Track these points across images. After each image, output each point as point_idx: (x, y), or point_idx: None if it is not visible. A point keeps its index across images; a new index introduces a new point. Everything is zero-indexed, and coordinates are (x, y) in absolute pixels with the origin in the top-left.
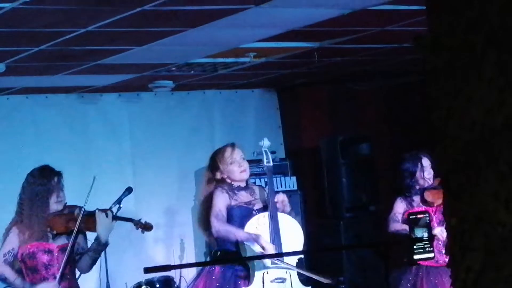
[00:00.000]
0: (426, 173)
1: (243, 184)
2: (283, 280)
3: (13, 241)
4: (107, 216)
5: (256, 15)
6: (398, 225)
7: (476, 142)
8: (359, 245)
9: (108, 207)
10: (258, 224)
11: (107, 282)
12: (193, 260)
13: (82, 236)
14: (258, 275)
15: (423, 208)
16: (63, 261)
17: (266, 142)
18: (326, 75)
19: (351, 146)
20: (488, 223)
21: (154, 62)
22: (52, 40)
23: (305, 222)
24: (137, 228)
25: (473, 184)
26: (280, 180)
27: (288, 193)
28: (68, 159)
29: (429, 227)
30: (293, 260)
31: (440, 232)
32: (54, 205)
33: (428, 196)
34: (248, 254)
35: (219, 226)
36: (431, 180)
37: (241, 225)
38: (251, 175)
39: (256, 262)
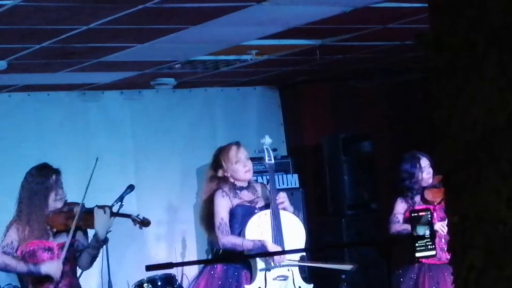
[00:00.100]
0: (424, 173)
1: (245, 183)
2: (285, 278)
3: (12, 236)
4: (105, 212)
5: (258, 13)
6: (398, 226)
7: (477, 141)
8: (361, 243)
9: (110, 204)
10: (260, 222)
11: (109, 279)
12: (195, 258)
13: (82, 233)
14: (260, 273)
15: (425, 206)
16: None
17: (267, 140)
18: (328, 72)
19: (353, 144)
20: (489, 222)
21: (156, 59)
22: (53, 38)
23: (307, 219)
24: (135, 224)
25: (474, 183)
26: (282, 178)
27: (290, 190)
28: (70, 156)
29: (431, 225)
30: (295, 257)
31: (441, 226)
32: (54, 203)
33: (428, 195)
34: (253, 264)
35: (224, 240)
36: (431, 180)
37: (243, 224)
38: (253, 172)
39: (258, 263)
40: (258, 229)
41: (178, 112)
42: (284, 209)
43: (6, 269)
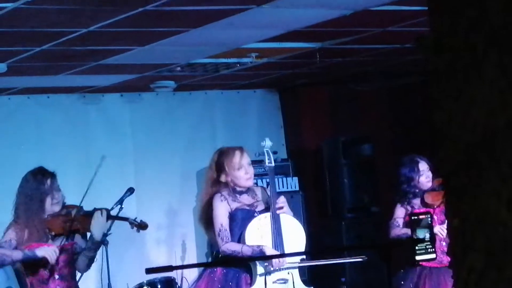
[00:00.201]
0: (423, 177)
1: (245, 188)
2: (285, 281)
3: (11, 236)
4: (101, 214)
5: (258, 16)
6: (398, 230)
7: (478, 143)
8: (361, 246)
9: (109, 207)
10: (260, 225)
11: (109, 283)
12: (194, 261)
13: (80, 237)
14: (260, 276)
15: (425, 209)
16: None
17: (268, 143)
18: (327, 75)
19: (352, 147)
20: (490, 224)
21: (156, 62)
22: (54, 40)
23: (307, 222)
24: (132, 227)
25: (475, 185)
26: (282, 181)
27: (290, 193)
28: (70, 159)
29: (431, 228)
30: (295, 260)
31: (439, 230)
32: (51, 207)
33: (428, 198)
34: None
35: (224, 247)
36: (430, 183)
37: (243, 227)
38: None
39: (258, 266)
40: (258, 232)
41: (178, 115)
42: (286, 212)
43: (2, 261)
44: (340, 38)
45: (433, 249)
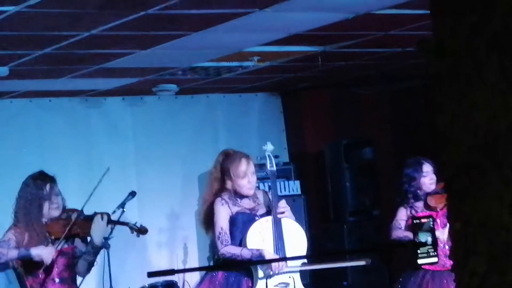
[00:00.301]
0: (427, 178)
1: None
2: (286, 285)
3: (10, 237)
4: (102, 219)
5: (260, 19)
6: (400, 232)
7: (480, 147)
8: (363, 249)
9: (111, 211)
10: (261, 229)
11: (110, 286)
12: (196, 265)
13: (80, 241)
14: (261, 280)
15: (426, 213)
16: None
17: (269, 147)
18: (330, 79)
19: (354, 150)
20: (492, 228)
21: (158, 65)
22: (56, 44)
23: (309, 226)
24: (132, 232)
25: (477, 188)
26: (284, 184)
27: (292, 197)
28: (72, 162)
29: (433, 232)
30: (297, 264)
31: (441, 234)
32: (50, 211)
33: (431, 200)
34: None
35: (223, 250)
36: (433, 186)
37: (244, 231)
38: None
39: (259, 270)
40: (259, 235)
41: (180, 118)
42: (288, 216)
43: None
44: (342, 42)
45: (435, 253)
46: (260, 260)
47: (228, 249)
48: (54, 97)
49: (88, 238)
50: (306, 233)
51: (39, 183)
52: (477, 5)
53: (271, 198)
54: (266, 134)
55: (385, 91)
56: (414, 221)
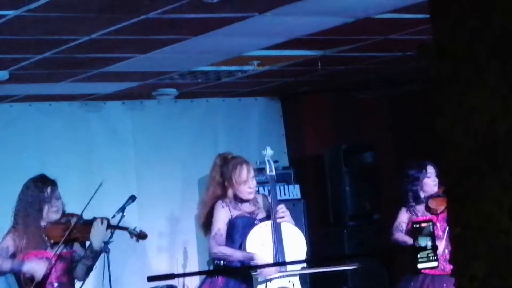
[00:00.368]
0: (430, 179)
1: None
2: None
3: (8, 243)
4: (102, 223)
5: (259, 23)
6: (401, 236)
7: (480, 150)
8: (363, 254)
9: (111, 215)
10: (261, 233)
11: None
12: (196, 269)
13: (79, 245)
14: (261, 284)
15: (427, 217)
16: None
17: (269, 151)
18: (329, 83)
19: (354, 155)
20: (492, 232)
21: (158, 70)
22: (55, 48)
23: (308, 230)
24: (132, 237)
25: (477, 192)
26: (284, 189)
27: (291, 201)
28: (71, 167)
29: (432, 236)
30: (296, 268)
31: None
32: (49, 215)
33: (432, 203)
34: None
35: (216, 249)
36: (436, 188)
37: (244, 235)
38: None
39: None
40: (259, 240)
41: (180, 122)
42: (287, 220)
43: None
44: (342, 46)
45: (435, 257)
46: (261, 265)
47: (221, 249)
48: (54, 101)
49: (87, 243)
50: (306, 237)
51: (40, 186)
52: (477, 9)
53: (270, 202)
54: (266, 138)
55: (385, 96)
56: (414, 226)
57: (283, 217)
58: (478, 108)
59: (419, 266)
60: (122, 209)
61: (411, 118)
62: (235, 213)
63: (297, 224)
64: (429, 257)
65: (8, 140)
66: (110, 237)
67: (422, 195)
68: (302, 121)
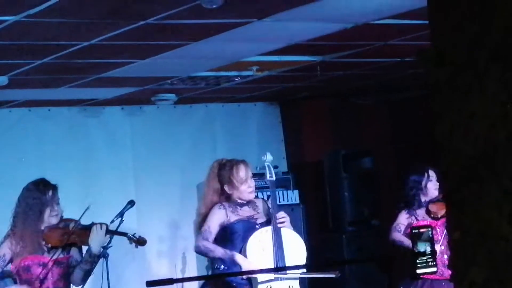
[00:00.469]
0: (432, 183)
1: (246, 200)
2: None
3: (5, 250)
4: (101, 229)
5: (258, 29)
6: (398, 235)
7: (479, 157)
8: (362, 259)
9: (110, 220)
10: (261, 239)
11: None
12: (195, 274)
13: (77, 250)
14: (261, 285)
15: (426, 222)
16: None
17: (269, 157)
18: (328, 89)
19: (353, 160)
20: (491, 238)
21: (157, 75)
22: (55, 53)
23: (307, 235)
24: (131, 243)
25: (476, 198)
26: (283, 194)
27: (290, 206)
28: (71, 172)
29: (431, 241)
30: (296, 273)
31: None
32: (49, 219)
33: (432, 207)
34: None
35: (200, 243)
36: (437, 192)
37: (245, 239)
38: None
39: (258, 279)
40: (259, 244)
41: (179, 128)
42: (287, 226)
43: None
44: (341, 52)
45: (434, 263)
46: (259, 270)
47: (205, 243)
48: (53, 106)
49: (83, 248)
50: (305, 242)
51: (42, 189)
52: (476, 15)
53: (270, 207)
54: (265, 143)
55: (384, 101)
56: (413, 231)
57: (283, 222)
58: (478, 115)
59: (418, 271)
60: (121, 214)
61: (410, 123)
62: (234, 217)
63: (296, 229)
64: (428, 262)
65: (7, 145)
66: (109, 242)
67: (423, 199)
68: (301, 127)
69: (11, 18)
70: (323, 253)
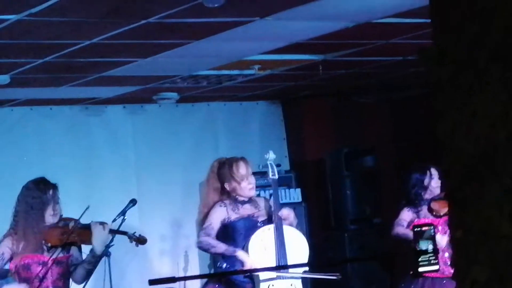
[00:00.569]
0: (434, 181)
1: (247, 198)
2: None
3: (4, 248)
4: (104, 228)
5: (260, 28)
6: (402, 229)
7: (480, 156)
8: (364, 257)
9: (111, 219)
10: (264, 237)
11: None
12: (197, 272)
13: (77, 249)
14: (263, 286)
15: (428, 219)
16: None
17: (271, 155)
18: (330, 87)
19: (355, 159)
20: (492, 237)
21: (159, 74)
22: (57, 52)
23: (309, 234)
24: (131, 241)
25: (477, 197)
26: (285, 192)
27: (293, 205)
28: (72, 170)
29: (434, 240)
30: (298, 272)
31: (440, 240)
32: (49, 218)
33: (434, 205)
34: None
35: (202, 238)
36: (439, 190)
37: (247, 237)
38: (256, 187)
39: (260, 277)
40: (261, 243)
41: (181, 126)
42: (290, 224)
43: None
44: (343, 50)
45: (436, 261)
46: (262, 268)
47: (207, 239)
48: (55, 105)
49: (83, 247)
50: (307, 241)
51: (43, 188)
52: (477, 15)
53: (272, 206)
54: (267, 142)
55: (386, 100)
56: (415, 229)
57: (286, 219)
58: (479, 114)
59: (420, 269)
60: (123, 213)
61: (412, 122)
62: (235, 215)
63: (298, 227)
64: (430, 260)
65: (9, 144)
66: (111, 241)
67: (425, 197)
68: (303, 125)
69: (12, 17)
70: (325, 251)
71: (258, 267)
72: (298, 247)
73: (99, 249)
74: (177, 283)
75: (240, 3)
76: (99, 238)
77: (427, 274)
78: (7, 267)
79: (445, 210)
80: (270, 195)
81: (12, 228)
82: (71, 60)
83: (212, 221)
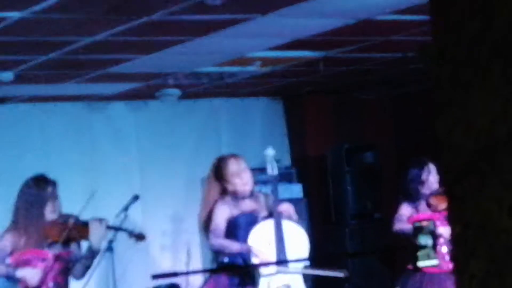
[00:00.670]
0: (431, 176)
1: (248, 193)
2: (288, 287)
3: (5, 243)
4: (101, 225)
5: (262, 25)
6: (403, 224)
7: (480, 151)
8: (365, 252)
9: (114, 215)
10: (264, 232)
11: None
12: (200, 267)
13: (76, 245)
14: (263, 281)
15: (428, 214)
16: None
17: (270, 151)
18: (332, 84)
19: (356, 154)
20: (492, 231)
21: (161, 71)
22: (60, 49)
23: (310, 229)
24: (130, 238)
25: (477, 192)
26: (286, 188)
27: (294, 200)
28: (75, 167)
29: (433, 235)
30: (299, 267)
31: (444, 231)
32: (49, 215)
33: (433, 200)
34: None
35: (214, 241)
36: (437, 185)
37: (247, 232)
38: (257, 183)
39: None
40: (262, 238)
41: (183, 123)
42: (289, 218)
43: None
44: (344, 47)
45: (436, 255)
46: (263, 263)
47: (219, 241)
48: (58, 102)
49: (82, 243)
50: (308, 236)
51: (42, 184)
52: (478, 11)
53: (272, 201)
54: (268, 138)
55: (387, 96)
56: (415, 225)
57: (287, 212)
58: (480, 110)
59: (420, 264)
60: (126, 208)
61: (413, 118)
62: (236, 211)
63: (298, 223)
64: (429, 255)
65: (13, 141)
66: (114, 237)
67: (423, 191)
68: (305, 121)
69: (16, 15)
70: (326, 246)
71: (270, 260)
72: (298, 242)
73: (95, 244)
74: (180, 277)
75: (242, 0)
76: (96, 234)
77: (425, 269)
78: (7, 261)
79: (443, 205)
80: (271, 191)
81: (13, 224)
82: (74, 57)
83: (218, 221)
